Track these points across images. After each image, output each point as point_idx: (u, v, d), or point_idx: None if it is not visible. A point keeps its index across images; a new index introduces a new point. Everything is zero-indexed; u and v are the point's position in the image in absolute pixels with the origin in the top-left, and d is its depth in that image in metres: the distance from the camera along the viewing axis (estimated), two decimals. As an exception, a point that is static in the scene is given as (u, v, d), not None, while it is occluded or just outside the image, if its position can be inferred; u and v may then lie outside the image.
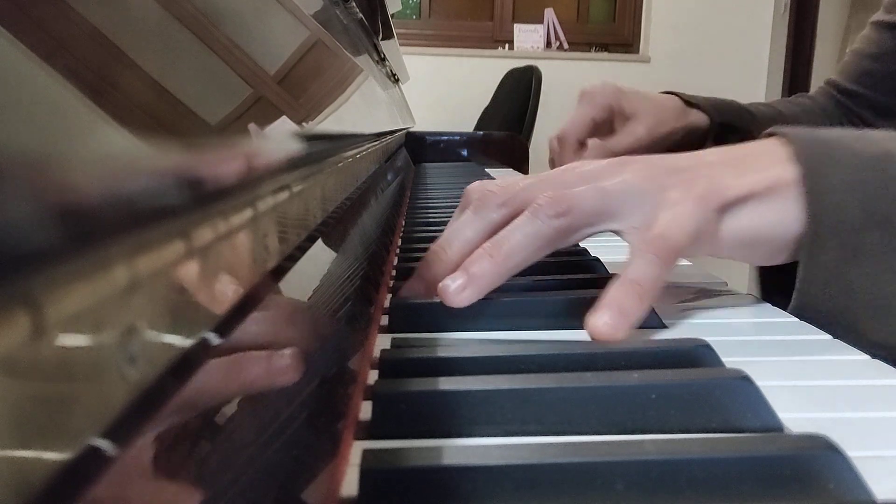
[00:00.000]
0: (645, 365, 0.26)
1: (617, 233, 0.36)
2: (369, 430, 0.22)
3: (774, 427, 0.22)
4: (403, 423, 0.22)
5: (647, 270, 0.32)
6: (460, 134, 1.70)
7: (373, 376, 0.27)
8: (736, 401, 0.23)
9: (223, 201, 0.17)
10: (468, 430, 0.22)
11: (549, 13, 3.03)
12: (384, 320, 0.34)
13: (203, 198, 0.15)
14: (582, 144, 0.75)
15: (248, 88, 0.23)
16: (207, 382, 0.15)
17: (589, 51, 3.06)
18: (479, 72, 2.86)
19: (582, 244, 0.52)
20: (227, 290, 0.17)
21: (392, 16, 1.49)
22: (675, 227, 0.33)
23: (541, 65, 2.50)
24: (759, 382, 0.23)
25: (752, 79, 2.96)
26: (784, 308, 0.36)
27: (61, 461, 0.09)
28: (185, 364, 0.14)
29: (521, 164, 1.63)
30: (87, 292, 0.10)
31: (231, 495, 0.14)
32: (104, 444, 0.10)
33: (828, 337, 0.32)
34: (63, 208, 0.09)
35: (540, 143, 2.50)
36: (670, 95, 0.76)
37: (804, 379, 0.27)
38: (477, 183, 0.39)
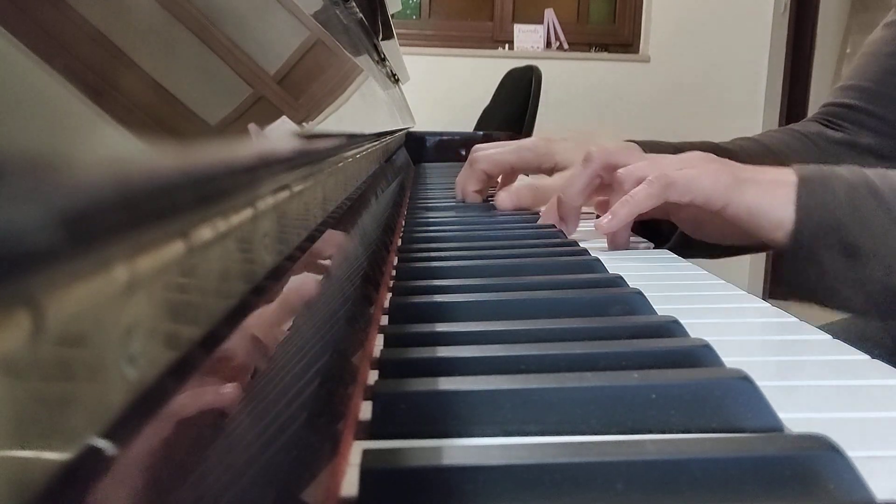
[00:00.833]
0: (645, 365, 0.26)
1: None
2: (369, 430, 0.22)
3: (774, 427, 0.22)
4: (403, 423, 0.22)
5: (640, 188, 0.50)
6: (460, 134, 1.70)
7: (373, 376, 0.27)
8: (736, 401, 0.23)
9: (223, 201, 0.17)
10: (468, 430, 0.22)
11: (549, 13, 3.02)
12: (384, 320, 0.34)
13: (203, 198, 0.15)
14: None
15: (248, 88, 0.23)
16: (207, 382, 0.15)
17: (589, 51, 3.06)
18: (479, 72, 2.86)
19: (582, 244, 0.52)
20: (227, 291, 0.17)
21: (392, 16, 1.49)
22: (682, 174, 0.49)
23: (541, 65, 2.50)
24: (760, 382, 0.23)
25: (752, 79, 2.96)
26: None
27: (61, 461, 0.09)
28: (185, 364, 0.14)
29: (521, 164, 1.63)
30: (87, 292, 0.10)
31: (231, 495, 0.14)
32: (104, 444, 0.10)
33: (828, 337, 0.32)
34: (63, 208, 0.09)
35: (540, 143, 2.49)
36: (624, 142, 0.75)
37: (804, 379, 0.27)
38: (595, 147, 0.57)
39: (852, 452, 0.19)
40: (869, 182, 0.46)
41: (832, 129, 0.80)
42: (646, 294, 0.36)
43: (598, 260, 0.45)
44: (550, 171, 0.76)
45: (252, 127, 0.21)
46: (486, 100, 2.66)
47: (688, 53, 2.94)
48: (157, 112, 0.15)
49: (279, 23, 0.34)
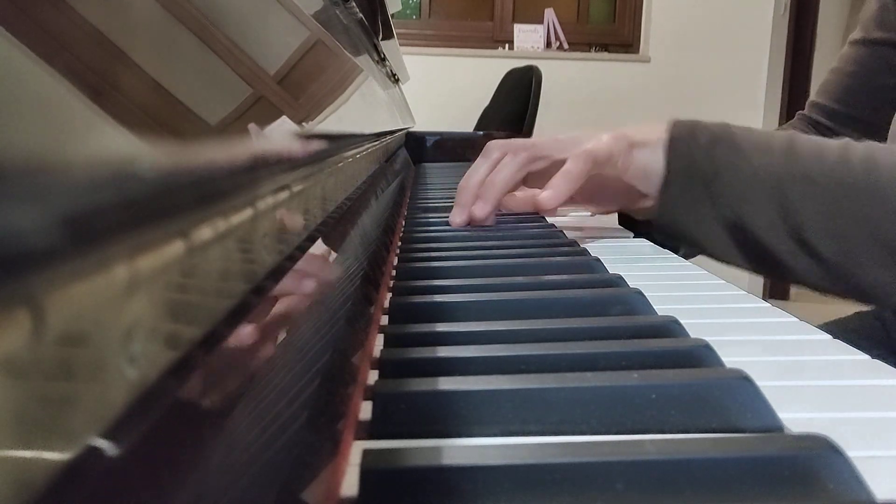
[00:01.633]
0: (645, 365, 0.26)
1: (560, 161, 0.56)
2: (369, 430, 0.22)
3: (774, 427, 0.22)
4: (403, 423, 0.22)
5: (572, 163, 0.55)
6: (460, 134, 1.70)
7: (373, 376, 0.26)
8: (736, 401, 0.23)
9: (223, 201, 0.17)
10: (468, 430, 0.22)
11: (549, 13, 3.02)
12: (384, 320, 0.34)
13: (203, 198, 0.15)
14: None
15: (248, 88, 0.23)
16: (207, 382, 0.15)
17: (589, 51, 3.05)
18: (479, 72, 2.86)
19: (582, 244, 0.52)
20: (227, 291, 0.17)
21: (392, 16, 1.49)
22: (596, 144, 0.55)
23: (541, 65, 2.50)
24: (759, 382, 0.23)
25: (752, 79, 2.96)
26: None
27: (61, 461, 0.09)
28: (185, 364, 0.14)
29: (521, 164, 1.63)
30: (87, 292, 0.10)
31: (231, 495, 0.14)
32: (104, 444, 0.10)
33: (828, 337, 0.32)
34: (63, 208, 0.09)
35: (540, 143, 2.49)
36: None
37: (804, 379, 0.27)
38: (495, 142, 0.61)
39: (852, 452, 0.19)
40: (731, 133, 0.52)
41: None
42: (646, 294, 0.36)
43: (598, 260, 0.45)
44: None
45: (252, 127, 0.21)
46: (486, 100, 2.66)
47: (688, 53, 2.94)
48: (157, 112, 0.15)
49: (279, 23, 0.34)
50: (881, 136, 0.76)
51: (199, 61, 0.19)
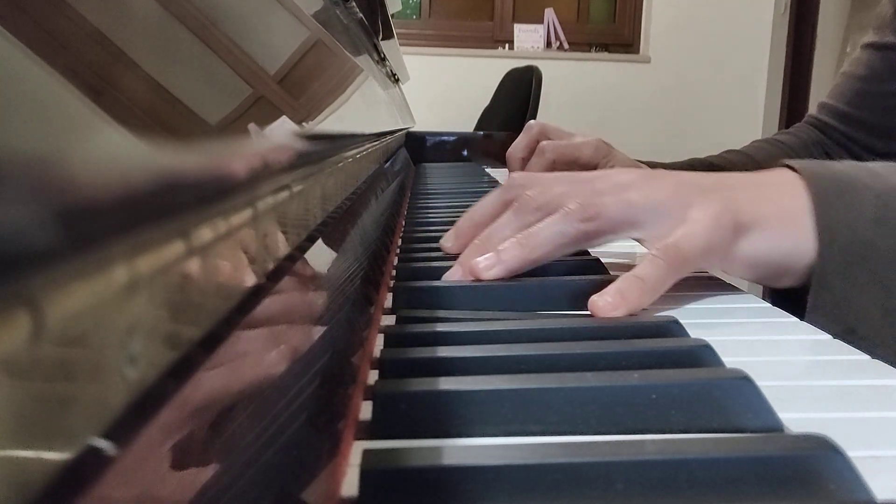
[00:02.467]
0: (645, 365, 0.26)
1: (638, 240, 0.40)
2: (369, 430, 0.22)
3: (774, 427, 0.22)
4: (403, 423, 0.22)
5: (652, 271, 0.36)
6: (460, 134, 1.70)
7: (373, 376, 0.27)
8: (736, 401, 0.23)
9: (223, 201, 0.17)
10: (468, 430, 0.22)
11: (549, 13, 3.02)
12: (384, 320, 0.34)
13: (203, 198, 0.15)
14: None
15: (248, 88, 0.23)
16: (207, 382, 0.15)
17: (589, 51, 3.05)
18: (479, 72, 2.86)
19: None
20: (227, 291, 0.17)
21: (392, 16, 1.49)
22: (689, 239, 0.37)
23: (541, 65, 2.50)
24: (759, 382, 0.23)
25: (752, 79, 2.96)
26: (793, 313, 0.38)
27: (61, 461, 0.09)
28: (185, 364, 0.14)
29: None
30: (87, 292, 0.10)
31: (231, 495, 0.14)
32: (104, 444, 0.10)
33: (828, 337, 0.32)
34: (63, 208, 0.09)
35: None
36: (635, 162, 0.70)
37: (804, 379, 0.27)
38: (520, 176, 0.44)
39: (852, 452, 0.19)
40: (893, 184, 0.38)
41: (822, 148, 0.81)
42: (646, 294, 0.36)
43: (598, 260, 0.45)
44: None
45: (252, 127, 0.21)
46: (486, 100, 2.66)
47: (688, 53, 2.94)
48: (157, 112, 0.15)
49: (279, 23, 0.34)
50: (892, 140, 0.77)
51: (199, 61, 0.19)
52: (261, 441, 0.16)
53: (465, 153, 1.66)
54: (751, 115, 2.95)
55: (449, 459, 0.19)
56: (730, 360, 0.27)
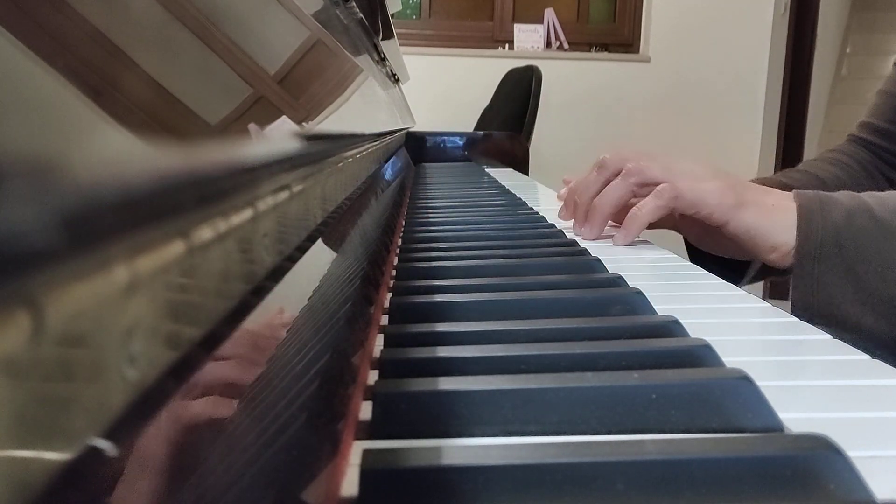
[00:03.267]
0: (645, 365, 0.26)
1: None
2: (369, 430, 0.22)
3: (774, 427, 0.22)
4: (403, 423, 0.22)
5: (647, 200, 0.55)
6: (460, 134, 1.70)
7: (373, 376, 0.27)
8: (736, 401, 0.23)
9: (223, 201, 0.17)
10: (468, 430, 0.22)
11: (549, 13, 3.02)
12: (384, 320, 0.34)
13: (203, 198, 0.15)
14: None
15: (248, 88, 0.23)
16: (207, 382, 0.15)
17: (589, 51, 3.05)
18: (479, 72, 2.86)
19: (582, 244, 0.52)
20: (227, 291, 0.17)
21: (392, 16, 1.49)
22: (688, 186, 0.53)
23: (541, 65, 2.49)
24: (759, 382, 0.23)
25: (752, 79, 2.96)
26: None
27: (61, 461, 0.09)
28: (185, 364, 0.14)
29: (522, 165, 1.63)
30: (87, 292, 0.10)
31: (232, 495, 0.14)
32: (104, 444, 0.10)
33: (828, 337, 0.32)
34: (63, 208, 0.09)
35: (540, 143, 2.50)
36: None
37: (804, 379, 0.27)
38: (614, 153, 0.61)
39: (852, 452, 0.19)
40: (864, 204, 0.49)
41: (871, 163, 0.81)
42: (646, 294, 0.36)
43: (599, 260, 0.45)
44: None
45: (252, 127, 0.21)
46: (486, 100, 2.66)
47: (688, 53, 2.94)
48: (157, 112, 0.15)
49: (279, 23, 0.34)
50: None
51: (199, 61, 0.19)
52: (261, 441, 0.16)
53: (465, 153, 1.66)
54: (751, 115, 2.95)
55: (449, 459, 0.19)
56: (730, 360, 0.27)
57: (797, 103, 2.98)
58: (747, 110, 2.95)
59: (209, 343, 0.15)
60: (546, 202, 0.85)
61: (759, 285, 2.99)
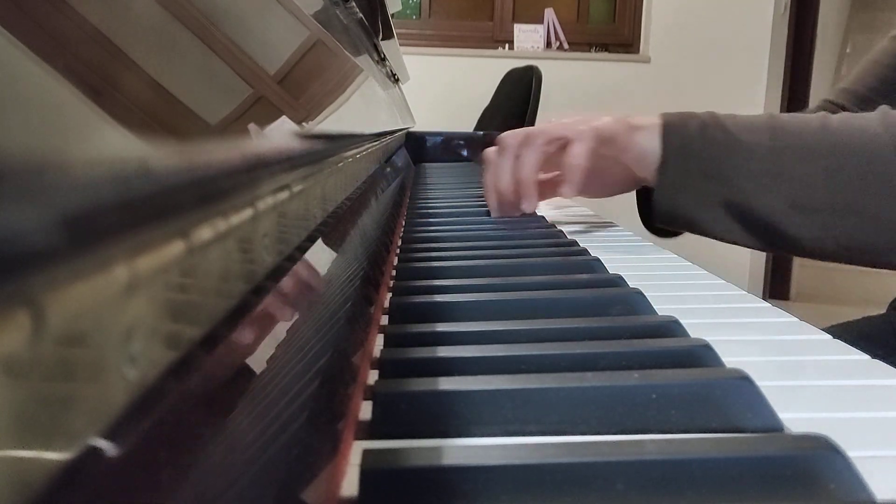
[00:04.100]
0: (645, 365, 0.26)
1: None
2: (369, 430, 0.22)
3: (774, 427, 0.22)
4: (403, 423, 0.22)
5: (581, 145, 0.58)
6: (460, 134, 1.69)
7: (373, 376, 0.26)
8: (736, 401, 0.23)
9: (223, 201, 0.17)
10: (468, 430, 0.22)
11: (549, 13, 3.02)
12: (384, 320, 0.34)
13: (203, 198, 0.15)
14: None
15: (248, 88, 0.23)
16: (207, 382, 0.15)
17: (589, 51, 3.05)
18: (479, 72, 2.86)
19: (582, 244, 0.52)
20: (227, 291, 0.17)
21: (392, 16, 1.49)
22: (604, 122, 0.59)
23: (541, 65, 2.49)
24: (759, 382, 0.23)
25: (752, 79, 2.96)
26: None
27: (61, 461, 0.09)
28: (185, 364, 0.14)
29: (521, 164, 1.62)
30: (87, 292, 0.10)
31: (232, 495, 0.14)
32: (104, 444, 0.10)
33: (828, 337, 0.32)
34: (63, 208, 0.09)
35: (540, 143, 2.48)
36: None
37: (804, 379, 0.27)
38: (509, 133, 0.65)
39: (852, 452, 0.19)
40: (719, 119, 0.56)
41: None
42: (646, 294, 0.36)
43: (598, 260, 0.45)
44: None
45: (252, 127, 0.21)
46: (486, 100, 2.66)
47: (688, 53, 2.94)
48: (157, 112, 0.15)
49: (279, 23, 0.34)
50: None
51: (199, 61, 0.19)
52: (261, 441, 0.16)
53: (465, 153, 1.66)
54: (751, 115, 2.94)
55: (449, 459, 0.19)
56: (730, 360, 0.27)
57: (797, 103, 2.98)
58: (747, 110, 2.94)
59: (209, 343, 0.15)
60: (545, 202, 0.85)
61: (759, 286, 2.99)
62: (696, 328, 0.31)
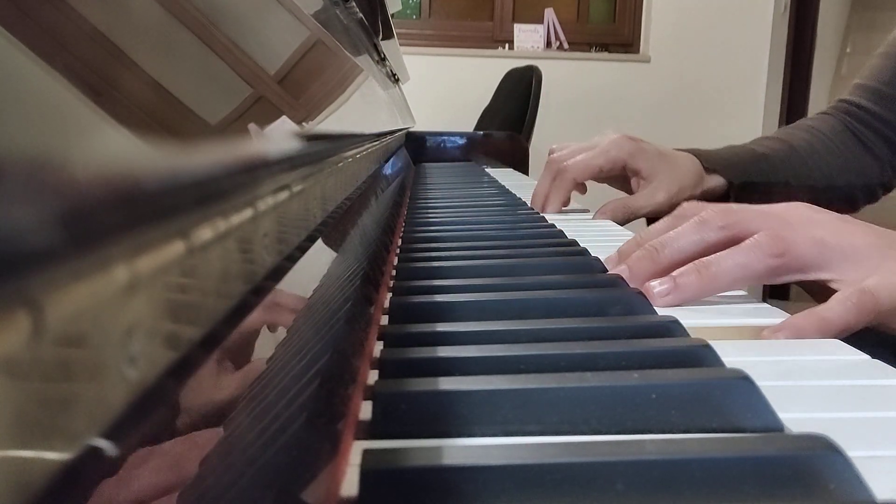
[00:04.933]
0: (645, 365, 0.26)
1: (826, 282, 0.37)
2: (369, 430, 0.22)
3: (774, 427, 0.22)
4: (403, 423, 0.22)
5: (841, 312, 0.34)
6: (460, 134, 1.69)
7: (373, 376, 0.26)
8: (736, 401, 0.23)
9: (223, 201, 0.17)
10: (468, 430, 0.22)
11: (549, 13, 3.02)
12: (384, 320, 0.34)
13: (203, 198, 0.15)
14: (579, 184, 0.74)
15: (248, 88, 0.23)
16: (207, 382, 0.15)
17: (589, 51, 3.05)
18: (479, 72, 2.86)
19: (582, 244, 0.52)
20: (227, 291, 0.17)
21: (392, 16, 1.49)
22: (886, 289, 0.34)
23: (541, 65, 2.49)
24: (759, 382, 0.23)
25: (752, 79, 2.96)
26: None
27: (61, 461, 0.09)
28: (185, 364, 0.14)
29: (522, 164, 1.63)
30: (87, 292, 0.10)
31: (231, 495, 0.14)
32: (104, 444, 0.10)
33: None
34: (63, 208, 0.09)
35: (540, 143, 2.49)
36: (689, 156, 0.75)
37: (804, 379, 0.27)
38: (695, 203, 0.42)
39: (852, 452, 0.19)
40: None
41: (853, 133, 0.80)
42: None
43: (599, 260, 0.45)
44: (634, 173, 0.74)
45: (252, 127, 0.21)
46: (486, 100, 2.66)
47: (688, 53, 2.94)
48: (157, 112, 0.15)
49: (279, 23, 0.34)
50: None
51: (199, 61, 0.19)
52: (261, 441, 0.16)
53: (465, 153, 1.66)
54: (751, 115, 2.95)
55: (449, 459, 0.19)
56: (730, 360, 0.27)
57: (797, 103, 2.98)
58: (747, 110, 2.95)
59: (209, 343, 0.15)
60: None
61: (759, 285, 2.99)
62: (696, 328, 0.31)
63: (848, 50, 3.27)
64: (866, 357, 0.29)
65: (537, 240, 0.55)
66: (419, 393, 0.23)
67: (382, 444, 0.22)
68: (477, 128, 2.53)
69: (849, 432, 0.22)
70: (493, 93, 2.67)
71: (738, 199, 0.74)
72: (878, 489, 0.19)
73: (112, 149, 0.12)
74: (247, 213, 0.18)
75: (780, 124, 2.97)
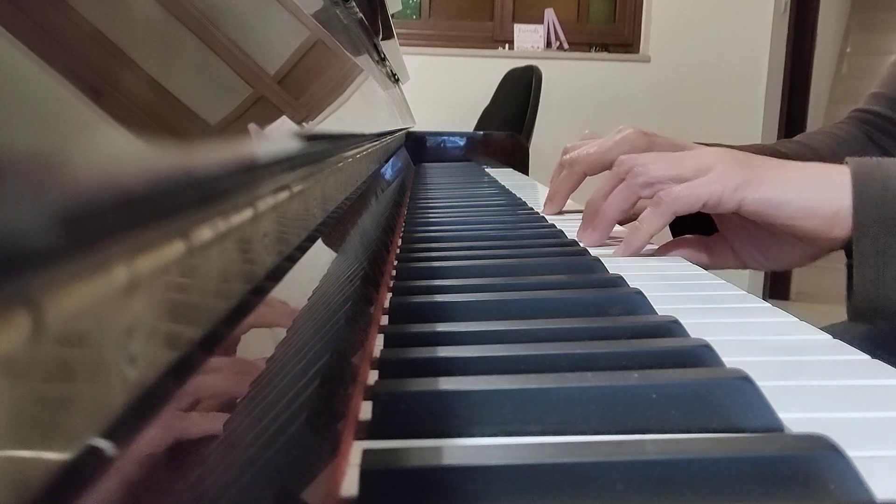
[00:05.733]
0: (645, 365, 0.26)
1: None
2: (369, 430, 0.22)
3: (774, 427, 0.22)
4: (403, 423, 0.22)
5: (652, 219, 0.49)
6: (460, 134, 1.70)
7: (373, 376, 0.26)
8: (736, 401, 0.23)
9: (223, 201, 0.17)
10: (468, 430, 0.22)
11: (549, 13, 3.02)
12: (384, 320, 0.34)
13: (203, 198, 0.15)
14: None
15: (248, 88, 0.23)
16: (207, 382, 0.15)
17: (589, 51, 3.05)
18: (479, 72, 2.86)
19: (582, 244, 0.52)
20: (226, 291, 0.17)
21: (392, 16, 1.50)
22: (689, 188, 0.47)
23: (541, 65, 2.50)
24: (760, 382, 0.23)
25: (752, 79, 2.96)
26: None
27: (61, 461, 0.09)
28: (185, 364, 0.14)
29: (522, 164, 1.63)
30: (87, 292, 0.10)
31: (231, 495, 0.14)
32: (104, 444, 0.10)
33: (828, 337, 0.32)
34: (63, 208, 0.09)
35: (540, 143, 2.49)
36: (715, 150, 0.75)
37: (804, 379, 0.27)
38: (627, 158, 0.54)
39: (852, 452, 0.19)
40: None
41: (871, 139, 0.80)
42: (646, 294, 0.36)
43: (599, 260, 0.45)
44: None
45: (252, 127, 0.21)
46: (486, 100, 2.66)
47: (688, 53, 2.94)
48: (157, 112, 0.15)
49: (279, 23, 0.34)
50: None
51: (199, 61, 0.19)
52: (261, 441, 0.16)
53: (465, 153, 1.66)
54: (751, 115, 2.95)
55: (449, 459, 0.19)
56: (730, 360, 0.27)
57: (797, 103, 2.98)
58: (747, 110, 2.95)
59: (209, 343, 0.15)
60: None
61: (759, 286, 2.99)
62: (697, 328, 0.31)
63: (848, 50, 3.28)
64: (866, 357, 0.29)
65: (537, 240, 0.55)
66: (419, 393, 0.23)
67: (382, 444, 0.22)
68: (477, 128, 2.53)
69: (849, 432, 0.22)
70: (492, 93, 2.67)
71: None
72: (878, 489, 0.19)
73: (112, 149, 0.12)
74: (247, 214, 0.18)
75: (780, 124, 2.97)
